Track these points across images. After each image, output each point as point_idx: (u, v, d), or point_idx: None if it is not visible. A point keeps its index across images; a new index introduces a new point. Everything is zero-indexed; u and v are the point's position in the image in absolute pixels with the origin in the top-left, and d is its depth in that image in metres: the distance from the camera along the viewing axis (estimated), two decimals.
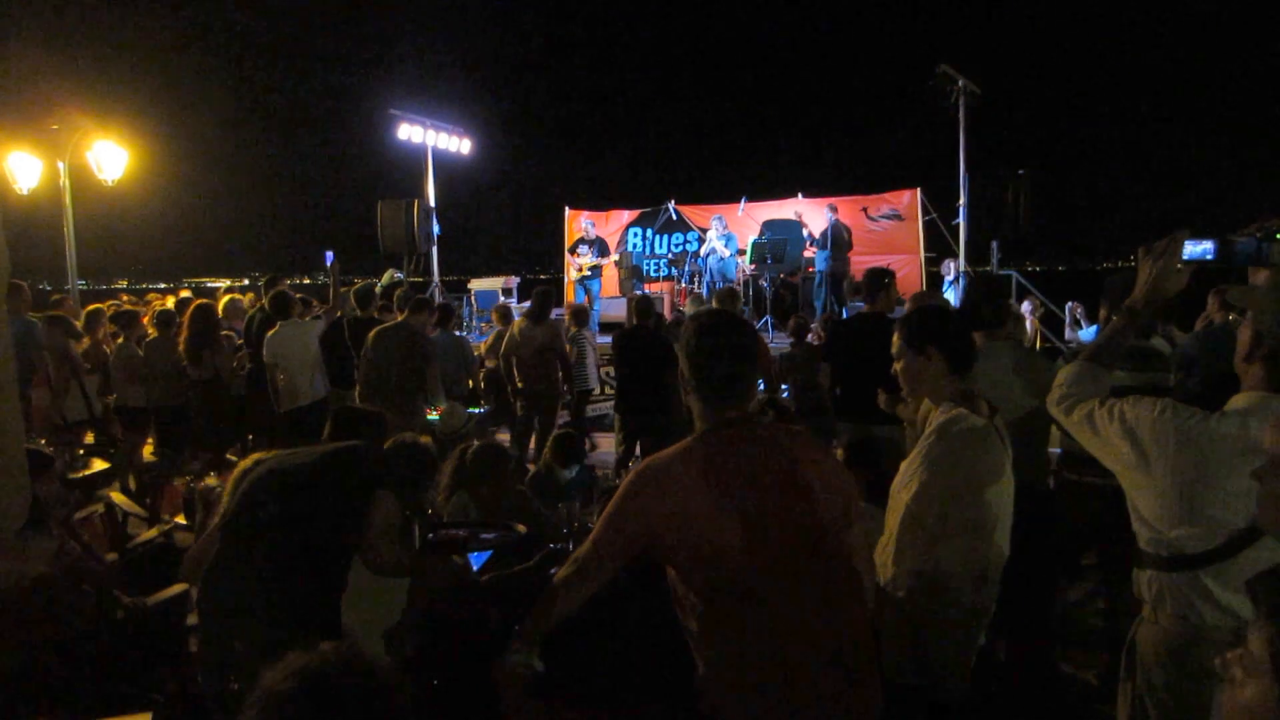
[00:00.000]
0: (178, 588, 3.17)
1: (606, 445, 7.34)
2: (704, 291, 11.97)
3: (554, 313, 8.04)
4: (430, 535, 2.66)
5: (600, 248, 12.22)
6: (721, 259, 12.14)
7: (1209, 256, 2.14)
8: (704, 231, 12.86)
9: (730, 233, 12.58)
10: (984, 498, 2.40)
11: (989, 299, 3.64)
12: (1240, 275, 2.36)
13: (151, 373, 6.68)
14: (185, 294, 7.65)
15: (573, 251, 12.16)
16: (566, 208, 15.79)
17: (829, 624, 1.88)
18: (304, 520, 1.95)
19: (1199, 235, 2.14)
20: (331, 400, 6.71)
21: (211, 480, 4.01)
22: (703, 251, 12.47)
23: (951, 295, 11.32)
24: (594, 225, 13.18)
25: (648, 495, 1.92)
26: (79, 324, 7.50)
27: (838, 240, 11.62)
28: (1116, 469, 2.12)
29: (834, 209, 12.15)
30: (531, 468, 5.49)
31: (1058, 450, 3.84)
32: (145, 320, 7.52)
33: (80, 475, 5.33)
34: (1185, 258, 2.15)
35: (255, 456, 3.13)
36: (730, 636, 1.87)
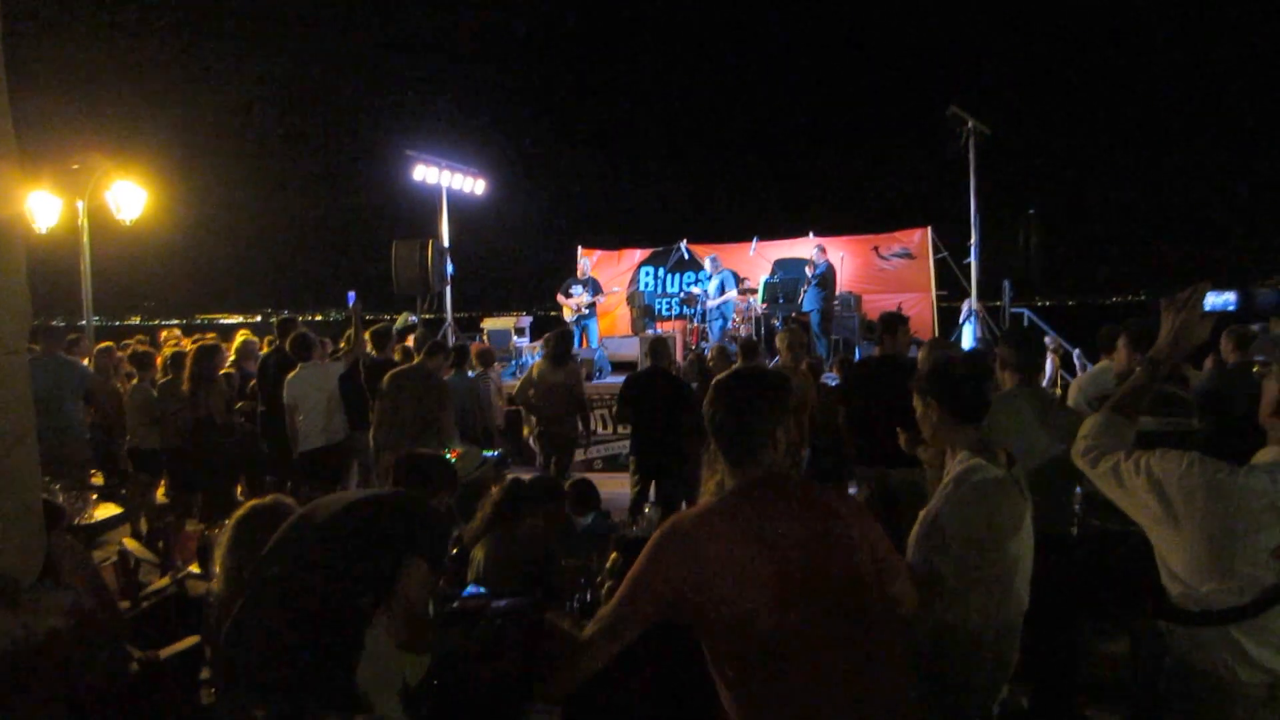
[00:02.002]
0: (190, 640, 3.14)
1: (613, 486, 7.30)
2: (712, 332, 11.99)
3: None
4: (453, 605, 2.62)
5: (594, 287, 12.24)
6: (720, 301, 12.19)
7: (1231, 308, 2.14)
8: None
9: (727, 270, 12.62)
10: (1004, 549, 2.39)
11: (1024, 345, 3.64)
12: (1263, 325, 2.35)
13: (164, 414, 6.70)
14: (211, 336, 7.65)
15: (565, 292, 12.14)
16: (579, 246, 15.86)
17: (866, 688, 1.84)
18: (321, 576, 1.90)
19: (1220, 286, 2.13)
20: (351, 441, 6.73)
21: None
22: (697, 291, 12.54)
23: (967, 332, 11.31)
24: (590, 264, 13.23)
25: (671, 557, 1.90)
26: (89, 361, 7.54)
27: (825, 281, 11.75)
28: (1144, 522, 2.10)
29: (821, 249, 12.26)
30: None
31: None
32: (159, 361, 7.55)
33: (91, 520, 5.31)
34: (1207, 308, 2.15)
35: (252, 503, 3.12)
36: (761, 704, 1.84)
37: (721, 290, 12.29)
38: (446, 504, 3.36)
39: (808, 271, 11.85)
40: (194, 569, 4.04)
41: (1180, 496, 1.96)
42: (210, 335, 7.81)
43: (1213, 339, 4.85)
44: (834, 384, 7.61)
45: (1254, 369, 3.85)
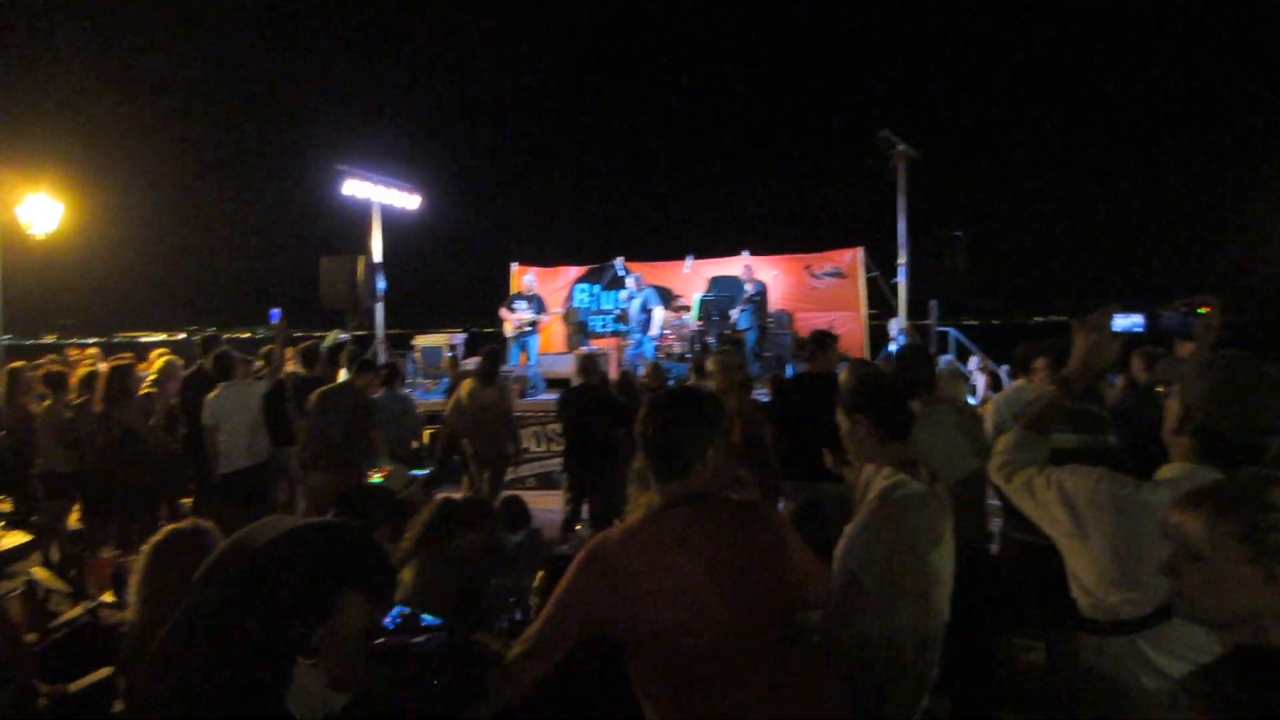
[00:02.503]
0: (103, 672, 3.02)
1: (545, 504, 7.26)
2: (647, 352, 12.04)
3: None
4: (376, 642, 2.56)
5: (538, 305, 12.23)
6: (643, 319, 12.27)
7: (1138, 329, 2.22)
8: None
9: (649, 288, 12.70)
10: (926, 562, 2.45)
11: (920, 366, 3.73)
12: (1167, 346, 2.45)
13: (79, 436, 6.45)
14: (128, 356, 7.39)
15: (509, 307, 12.05)
16: (513, 263, 15.79)
17: (790, 704, 1.86)
18: (256, 603, 1.82)
19: (1128, 308, 2.23)
20: (275, 460, 6.57)
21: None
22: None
23: (895, 350, 11.53)
24: (537, 282, 13.21)
25: (596, 574, 1.91)
26: None
27: (760, 302, 12.04)
28: (1055, 535, 2.16)
29: (750, 269, 12.55)
30: None
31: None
32: (74, 381, 7.28)
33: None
34: (1116, 329, 2.23)
35: (170, 528, 3.02)
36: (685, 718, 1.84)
37: (644, 309, 12.33)
38: (387, 537, 3.29)
39: (748, 289, 11.96)
40: (108, 598, 3.90)
41: (1089, 511, 2.02)
42: (127, 355, 7.55)
43: (1125, 359, 5.03)
44: (764, 400, 7.69)
45: (1158, 389, 4.00)
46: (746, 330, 11.77)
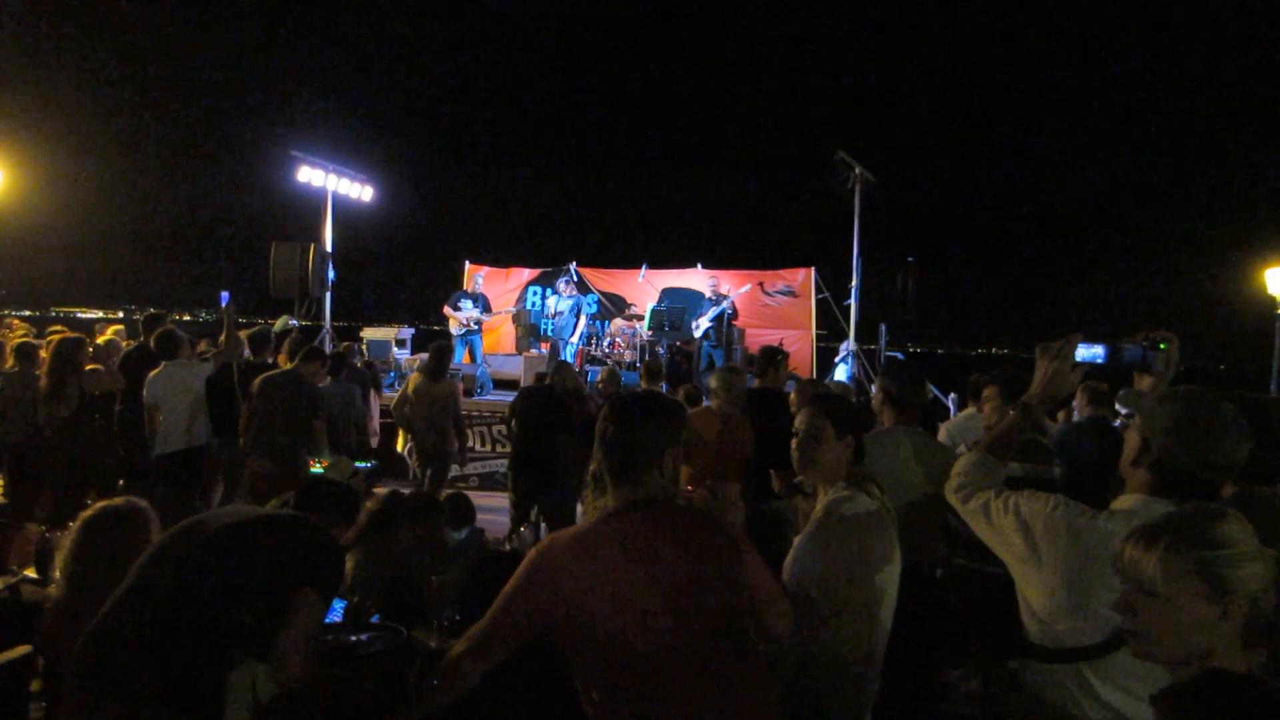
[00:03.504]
0: (22, 649, 2.90)
1: (488, 504, 7.19)
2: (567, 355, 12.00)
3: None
4: (325, 640, 2.50)
5: (483, 304, 12.14)
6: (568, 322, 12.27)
7: (1099, 360, 2.26)
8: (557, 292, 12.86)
9: (578, 295, 12.73)
10: (874, 579, 2.45)
11: (911, 382, 3.68)
12: (1126, 379, 2.49)
13: (7, 409, 6.23)
14: (56, 330, 7.18)
15: (454, 305, 11.97)
16: (466, 261, 15.69)
17: (733, 714, 1.85)
18: (209, 587, 1.77)
19: (1089, 339, 2.26)
20: (215, 449, 6.40)
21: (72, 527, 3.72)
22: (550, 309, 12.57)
23: (842, 370, 11.67)
24: (483, 281, 13.14)
25: (544, 574, 1.87)
26: None
27: (729, 315, 12.06)
28: (1008, 559, 2.17)
29: (716, 283, 12.64)
30: None
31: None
32: (8, 350, 7.02)
33: None
34: (1078, 359, 2.26)
35: (102, 505, 2.92)
36: None
37: (576, 312, 12.34)
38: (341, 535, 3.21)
39: (724, 305, 11.96)
40: (30, 573, 3.75)
41: (1044, 536, 2.03)
42: (55, 330, 7.32)
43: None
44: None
45: (1114, 421, 4.05)
46: (710, 345, 11.77)
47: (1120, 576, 1.53)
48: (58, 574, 2.82)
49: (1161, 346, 2.24)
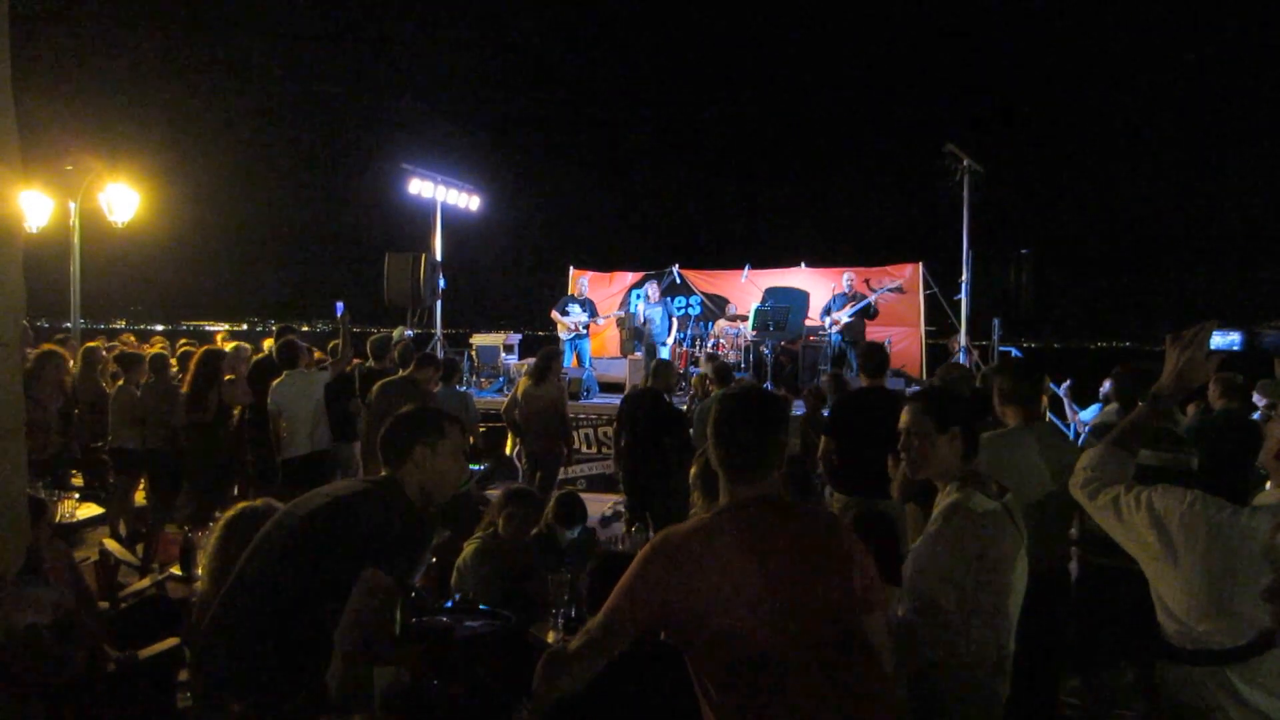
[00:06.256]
0: (170, 641, 3.09)
1: (595, 507, 7.27)
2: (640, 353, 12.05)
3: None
4: (414, 621, 2.55)
5: (590, 309, 12.26)
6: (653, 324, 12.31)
7: (1236, 348, 2.14)
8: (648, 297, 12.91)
9: (664, 300, 12.84)
10: (1002, 582, 2.36)
11: (1023, 375, 3.54)
12: (1265, 367, 2.35)
13: (147, 416, 6.64)
14: (185, 344, 7.64)
15: (562, 310, 12.15)
16: (571, 267, 15.88)
17: (853, 711, 1.82)
18: (290, 577, 1.85)
19: (1224, 326, 2.15)
20: (336, 452, 6.68)
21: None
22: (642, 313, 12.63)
23: None
24: (588, 285, 13.30)
25: (660, 569, 1.87)
26: (74, 363, 7.47)
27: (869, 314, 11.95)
28: (1140, 557, 2.08)
29: (853, 281, 12.45)
30: None
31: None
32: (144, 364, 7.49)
33: (72, 520, 5.25)
34: (1212, 347, 2.15)
35: (242, 505, 3.08)
36: None
37: (668, 315, 12.46)
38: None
39: (872, 300, 11.85)
40: (175, 570, 3.99)
41: (1181, 533, 1.94)
42: (185, 343, 7.77)
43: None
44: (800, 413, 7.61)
45: (1253, 414, 3.83)
46: (839, 338, 11.66)
47: (1270, 566, 1.45)
48: (200, 571, 3.00)
49: None
